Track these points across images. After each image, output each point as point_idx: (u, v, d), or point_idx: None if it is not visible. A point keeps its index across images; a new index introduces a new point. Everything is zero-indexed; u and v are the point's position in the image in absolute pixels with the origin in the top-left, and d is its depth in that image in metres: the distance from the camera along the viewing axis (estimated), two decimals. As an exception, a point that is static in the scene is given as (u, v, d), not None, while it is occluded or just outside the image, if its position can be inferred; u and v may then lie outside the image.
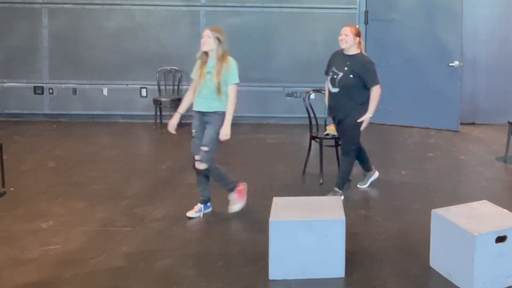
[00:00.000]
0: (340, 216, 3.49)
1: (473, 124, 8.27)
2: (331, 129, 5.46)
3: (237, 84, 4.36)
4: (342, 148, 4.93)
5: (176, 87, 8.09)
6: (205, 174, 4.46)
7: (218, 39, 4.28)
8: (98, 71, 8.08)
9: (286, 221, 3.43)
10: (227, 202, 4.79)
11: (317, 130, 5.60)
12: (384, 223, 4.36)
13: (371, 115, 4.76)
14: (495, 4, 8.21)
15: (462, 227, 3.30)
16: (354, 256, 3.70)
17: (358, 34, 4.77)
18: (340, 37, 4.74)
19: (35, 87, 8.15)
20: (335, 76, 4.74)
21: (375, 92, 4.71)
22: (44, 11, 8.10)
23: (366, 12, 8.14)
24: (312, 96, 5.79)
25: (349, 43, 4.73)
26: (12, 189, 5.00)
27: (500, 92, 8.30)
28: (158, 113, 7.90)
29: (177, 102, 7.95)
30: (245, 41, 8.11)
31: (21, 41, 8.09)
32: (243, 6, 8.14)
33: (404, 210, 4.65)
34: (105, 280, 3.39)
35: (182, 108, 4.55)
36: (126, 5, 8.12)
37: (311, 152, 5.66)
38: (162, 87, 8.09)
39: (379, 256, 3.75)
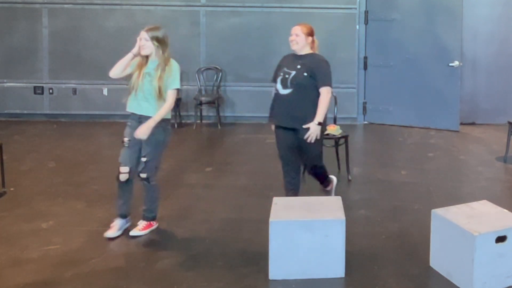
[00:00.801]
0: (340, 216, 3.49)
1: (473, 124, 8.27)
2: (331, 129, 5.46)
3: (177, 89, 4.00)
4: (306, 165, 4.38)
5: (176, 87, 8.08)
6: (130, 188, 4.03)
7: (157, 39, 3.91)
8: (98, 71, 8.07)
9: (286, 221, 3.43)
10: (225, 203, 4.79)
11: (317, 130, 5.58)
12: (384, 223, 4.36)
13: (317, 122, 4.11)
14: (495, 4, 8.22)
15: (462, 227, 3.30)
16: (354, 256, 3.70)
17: (310, 34, 4.33)
18: (290, 38, 4.29)
19: (35, 87, 8.15)
20: (286, 76, 4.20)
21: (325, 95, 4.14)
22: (44, 11, 8.10)
23: (366, 12, 8.14)
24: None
25: (300, 44, 4.27)
26: (12, 189, 5.00)
27: (500, 92, 8.30)
28: (158, 113, 7.89)
29: (176, 101, 7.93)
30: (245, 41, 8.12)
31: (21, 41, 8.09)
32: (243, 6, 8.14)
33: (404, 210, 4.65)
34: (105, 280, 3.39)
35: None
36: (126, 5, 8.12)
37: (311, 152, 5.65)
38: (162, 87, 8.08)
39: (379, 256, 3.75)
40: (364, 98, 8.29)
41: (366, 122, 8.31)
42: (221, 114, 8.08)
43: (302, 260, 3.40)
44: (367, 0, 8.13)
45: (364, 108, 8.30)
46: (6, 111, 8.16)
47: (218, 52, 8.17)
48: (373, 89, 8.23)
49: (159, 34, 3.95)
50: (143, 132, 3.86)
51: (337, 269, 3.44)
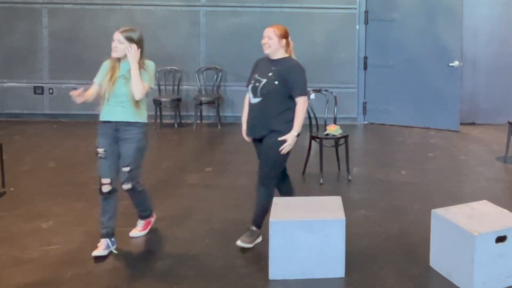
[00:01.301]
0: (340, 216, 3.49)
1: (473, 124, 8.27)
2: (331, 129, 5.46)
3: (151, 88, 3.76)
4: (258, 176, 3.93)
5: (176, 87, 8.09)
6: (114, 200, 3.74)
7: (131, 40, 3.66)
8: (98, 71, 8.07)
9: (286, 221, 3.43)
10: (225, 203, 4.79)
11: (317, 130, 5.60)
12: (384, 223, 4.36)
13: (296, 134, 3.85)
14: (495, 4, 8.22)
15: (462, 227, 3.30)
16: (354, 256, 3.70)
17: (284, 36, 3.99)
18: (262, 41, 3.96)
19: (35, 87, 8.15)
20: (257, 84, 3.89)
21: (301, 105, 3.85)
22: (44, 11, 8.10)
23: (366, 12, 8.14)
24: (312, 96, 5.78)
25: (273, 47, 3.93)
26: (12, 189, 5.00)
27: (500, 92, 8.30)
28: (158, 113, 7.90)
29: (177, 102, 7.96)
30: (245, 41, 8.11)
31: (21, 41, 8.09)
32: (243, 6, 8.14)
33: (404, 210, 4.65)
34: (105, 280, 3.39)
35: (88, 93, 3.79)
36: (126, 5, 8.12)
37: (311, 152, 5.66)
38: (162, 87, 8.09)
39: (379, 256, 3.75)
40: (364, 98, 8.29)
41: (366, 122, 8.32)
42: (221, 114, 8.08)
43: (302, 260, 3.40)
44: (367, 0, 8.13)
45: (364, 108, 8.30)
46: (6, 111, 8.16)
47: (218, 52, 8.17)
48: (373, 89, 8.23)
49: (133, 35, 3.70)
50: (134, 54, 3.61)
51: (337, 269, 3.44)
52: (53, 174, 5.52)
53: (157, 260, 3.67)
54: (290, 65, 3.93)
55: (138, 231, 4.03)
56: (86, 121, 8.09)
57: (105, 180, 3.68)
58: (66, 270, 3.49)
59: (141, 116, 3.75)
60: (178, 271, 3.52)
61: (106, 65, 3.79)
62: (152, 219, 4.13)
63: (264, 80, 3.89)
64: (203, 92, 8.12)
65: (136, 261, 3.64)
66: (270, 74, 3.89)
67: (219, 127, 7.86)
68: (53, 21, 8.10)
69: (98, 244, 3.73)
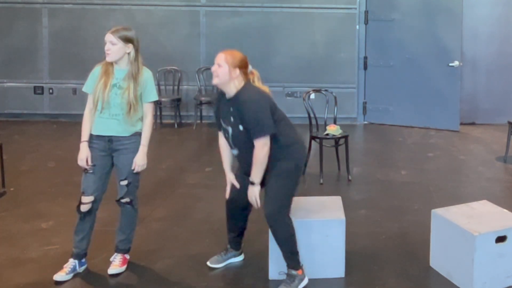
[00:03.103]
0: (340, 216, 3.49)
1: (473, 124, 8.27)
2: (331, 129, 5.46)
3: (155, 102, 3.45)
4: (268, 213, 3.23)
5: (176, 87, 8.09)
6: (90, 221, 3.43)
7: (127, 40, 3.31)
8: (98, 71, 8.07)
9: (286, 221, 3.42)
10: (225, 203, 4.78)
11: (317, 130, 5.60)
12: (384, 223, 4.36)
13: (251, 183, 3.22)
14: (495, 4, 8.22)
15: (462, 227, 3.30)
16: (354, 256, 3.70)
17: (240, 65, 3.22)
18: (212, 68, 3.27)
19: (35, 87, 8.15)
20: (226, 135, 3.33)
21: (258, 149, 3.13)
22: (44, 11, 8.10)
23: (366, 12, 8.14)
24: (312, 96, 5.79)
25: (221, 78, 3.18)
26: (12, 189, 5.00)
27: (500, 92, 8.30)
28: (158, 113, 7.90)
29: (177, 102, 7.96)
30: (245, 41, 8.11)
31: (21, 41, 8.09)
32: (243, 6, 8.14)
33: (404, 210, 4.65)
34: (105, 280, 3.39)
35: (86, 134, 3.37)
36: (126, 5, 8.12)
37: (311, 152, 5.66)
38: (162, 87, 8.09)
39: (379, 256, 3.75)
40: (364, 98, 8.29)
41: (366, 122, 8.32)
42: (221, 114, 8.08)
43: (302, 260, 3.40)
44: (367, 0, 8.13)
45: (364, 108, 8.30)
46: (6, 111, 8.15)
47: (218, 52, 8.15)
48: (373, 89, 8.23)
49: (128, 34, 3.33)
50: (140, 164, 3.38)
51: (337, 269, 3.44)
52: (53, 174, 5.52)
53: (157, 260, 3.67)
54: (241, 102, 3.16)
55: (118, 266, 3.48)
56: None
57: (86, 199, 3.36)
58: (66, 270, 3.49)
59: (138, 126, 3.40)
60: (178, 271, 3.52)
61: (96, 71, 3.38)
62: (128, 258, 3.58)
63: (230, 129, 3.27)
64: (203, 92, 8.12)
65: (136, 261, 3.63)
66: (232, 119, 3.23)
67: (219, 127, 7.86)
68: (53, 21, 8.10)
69: (64, 266, 3.41)
